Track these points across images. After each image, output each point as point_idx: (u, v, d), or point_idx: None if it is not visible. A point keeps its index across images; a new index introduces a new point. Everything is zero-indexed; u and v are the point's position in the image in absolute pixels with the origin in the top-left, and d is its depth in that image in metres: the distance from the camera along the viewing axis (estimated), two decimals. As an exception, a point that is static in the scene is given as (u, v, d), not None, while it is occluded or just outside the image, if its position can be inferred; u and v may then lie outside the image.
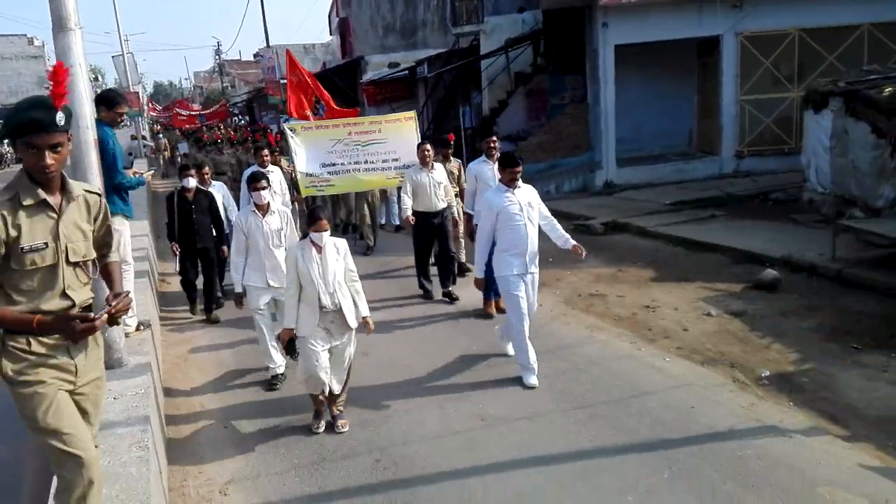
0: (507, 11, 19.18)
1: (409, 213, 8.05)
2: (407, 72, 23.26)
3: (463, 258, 9.08)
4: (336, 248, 4.85)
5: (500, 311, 7.24)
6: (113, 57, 28.64)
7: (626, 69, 14.56)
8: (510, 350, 6.04)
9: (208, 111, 29.61)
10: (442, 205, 8.15)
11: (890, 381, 5.33)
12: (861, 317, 6.71)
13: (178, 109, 29.45)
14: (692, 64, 15.85)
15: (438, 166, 8.31)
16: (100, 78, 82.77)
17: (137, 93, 30.88)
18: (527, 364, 5.63)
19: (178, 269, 8.18)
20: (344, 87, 24.93)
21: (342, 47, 33.81)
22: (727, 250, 9.32)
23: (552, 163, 15.56)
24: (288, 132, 9.43)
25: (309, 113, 10.50)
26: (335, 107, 11.16)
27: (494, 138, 7.82)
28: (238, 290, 6.00)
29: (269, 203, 5.92)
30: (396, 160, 9.31)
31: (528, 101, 18.39)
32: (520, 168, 5.77)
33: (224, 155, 14.26)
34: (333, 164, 9.31)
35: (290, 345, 4.72)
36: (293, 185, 9.87)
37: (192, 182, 8.03)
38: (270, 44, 33.54)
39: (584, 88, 16.49)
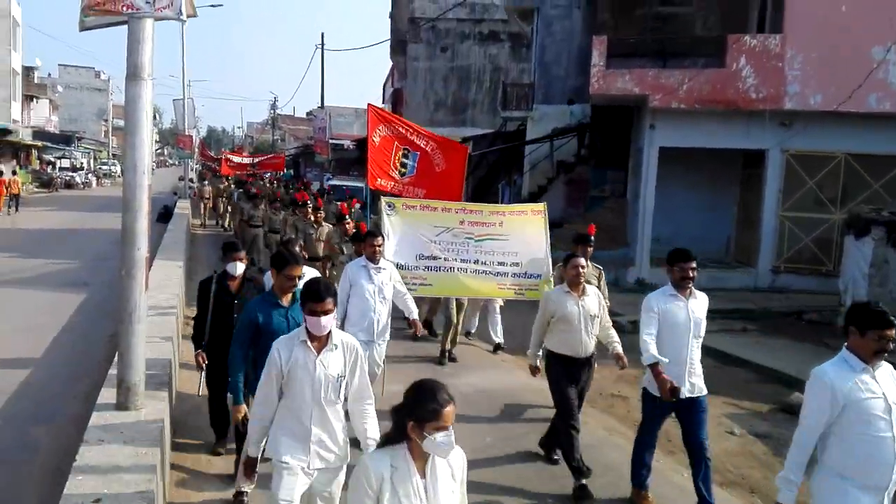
0: (557, 102, 19.68)
1: (537, 359, 5.73)
2: (452, 147, 23.78)
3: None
4: (450, 469, 2.68)
5: None
6: (174, 101, 29.87)
7: (669, 170, 14.70)
8: None
9: (261, 159, 29.88)
10: (593, 346, 5.64)
11: (919, 531, 5.07)
12: (892, 456, 6.46)
13: (228, 155, 29.64)
14: (736, 173, 15.96)
15: (591, 290, 5.74)
16: (157, 117, 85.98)
17: (191, 136, 31.93)
18: None
19: (202, 387, 5.72)
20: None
21: (393, 116, 34.80)
22: (756, 367, 9.14)
23: (586, 254, 15.60)
24: (384, 207, 7.40)
25: (395, 175, 8.60)
26: (438, 138, 9.05)
27: (693, 264, 4.97)
28: (252, 453, 3.71)
29: (330, 333, 3.60)
30: (516, 265, 7.24)
31: (568, 190, 18.64)
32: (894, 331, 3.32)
33: (280, 214, 12.70)
34: (434, 258, 7.23)
35: None
36: None
37: (240, 268, 5.58)
38: (324, 105, 34.74)
39: (625, 184, 16.70)
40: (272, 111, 70.13)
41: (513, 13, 22.73)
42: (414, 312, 6.46)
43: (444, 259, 7.23)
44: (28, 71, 48.14)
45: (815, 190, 14.37)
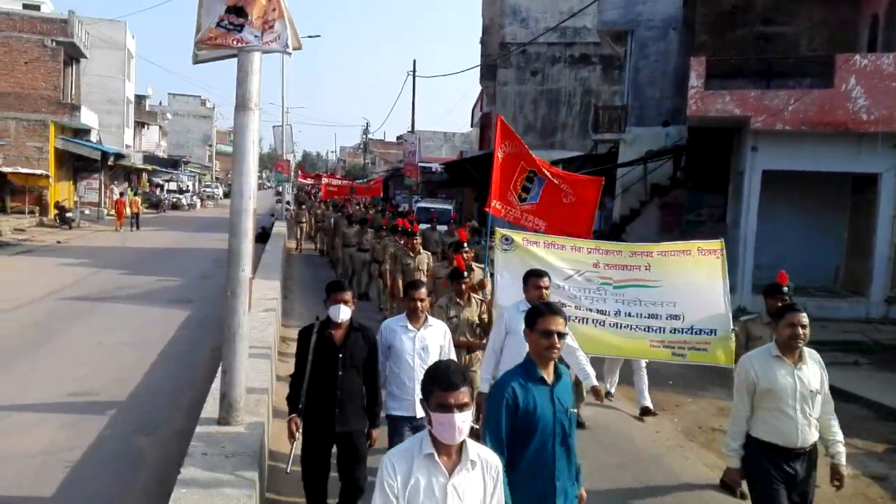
0: (651, 124, 19.27)
1: (739, 456, 4.17)
2: (542, 170, 23.65)
3: None
4: None
5: None
6: (273, 126, 31.10)
7: (772, 194, 14.04)
8: None
9: (359, 182, 30.33)
10: (815, 434, 4.16)
11: None
12: None
13: (326, 180, 30.38)
14: (844, 198, 15.08)
15: (811, 356, 4.22)
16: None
17: (289, 161, 33.13)
18: None
19: (291, 463, 4.49)
20: (477, 177, 25.67)
21: (480, 139, 35.06)
22: (870, 404, 8.51)
23: (681, 280, 15.08)
24: (498, 241, 6.22)
25: (513, 199, 7.37)
26: (568, 177, 7.88)
27: None
28: None
29: (464, 444, 2.55)
30: (675, 318, 5.86)
31: (662, 214, 18.16)
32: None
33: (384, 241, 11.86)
34: (563, 306, 5.45)
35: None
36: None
37: (344, 314, 4.49)
38: (414, 129, 35.39)
39: (723, 208, 16.08)
40: (364, 136, 72.05)
41: (605, 36, 22.49)
42: (592, 376, 5.12)
43: (576, 307, 5.90)
44: (140, 99, 51.64)
45: (934, 216, 13.39)
